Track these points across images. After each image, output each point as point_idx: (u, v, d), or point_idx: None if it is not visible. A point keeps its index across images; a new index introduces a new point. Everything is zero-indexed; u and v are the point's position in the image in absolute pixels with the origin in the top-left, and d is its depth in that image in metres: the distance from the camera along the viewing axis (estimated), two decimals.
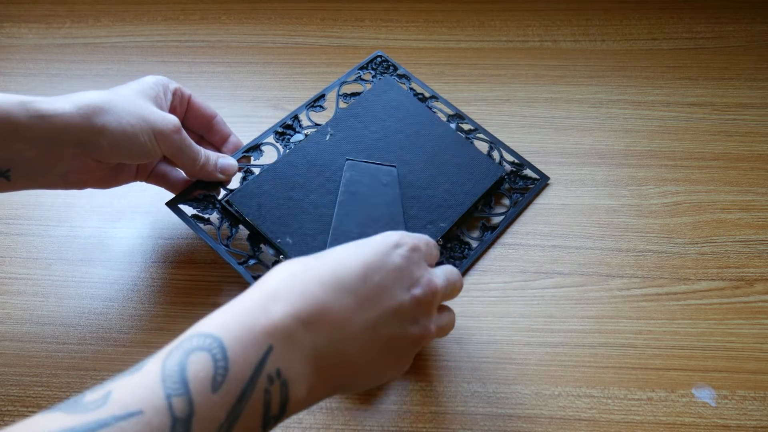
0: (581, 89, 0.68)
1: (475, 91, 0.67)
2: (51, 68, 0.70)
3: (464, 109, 0.64)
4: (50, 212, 0.57)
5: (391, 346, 0.36)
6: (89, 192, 0.59)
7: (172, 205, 0.51)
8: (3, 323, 0.50)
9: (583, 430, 0.45)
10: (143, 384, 0.28)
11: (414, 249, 0.38)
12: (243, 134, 0.57)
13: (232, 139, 0.55)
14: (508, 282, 0.53)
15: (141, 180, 0.52)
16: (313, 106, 0.58)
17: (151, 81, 0.49)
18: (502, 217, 0.56)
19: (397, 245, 0.37)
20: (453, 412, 0.45)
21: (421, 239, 0.39)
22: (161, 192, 0.58)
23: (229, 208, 0.50)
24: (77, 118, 0.43)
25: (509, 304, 0.51)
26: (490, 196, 0.56)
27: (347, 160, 0.52)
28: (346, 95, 0.59)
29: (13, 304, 0.51)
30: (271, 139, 0.56)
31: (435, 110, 0.60)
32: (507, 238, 0.55)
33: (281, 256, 0.49)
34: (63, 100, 0.43)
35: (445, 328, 0.41)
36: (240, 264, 0.49)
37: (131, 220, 0.57)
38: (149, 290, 0.52)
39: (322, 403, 0.46)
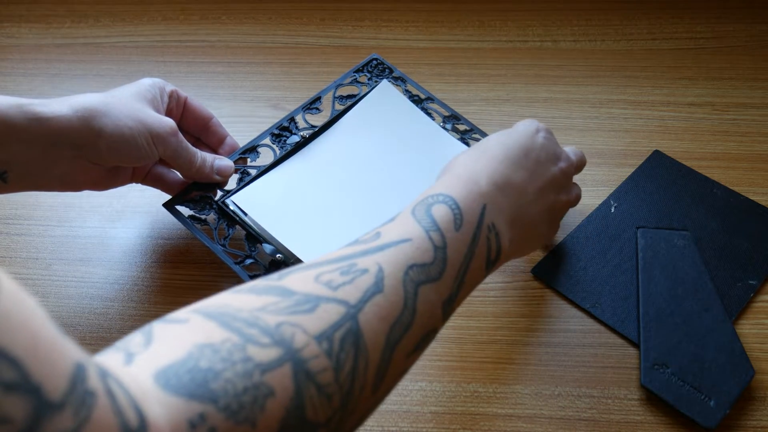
0: (581, 89, 0.68)
1: (475, 91, 0.67)
2: (51, 68, 0.70)
3: (464, 109, 0.64)
4: (50, 212, 0.57)
5: (551, 210, 0.45)
6: (89, 192, 0.59)
7: (169, 206, 0.51)
8: None
9: (583, 430, 0.45)
10: (403, 226, 0.35)
11: (549, 131, 0.47)
12: (243, 134, 0.57)
13: (228, 140, 0.55)
14: (508, 282, 0.53)
15: (137, 182, 0.52)
16: (309, 109, 0.58)
17: (147, 83, 0.49)
18: None
19: (537, 130, 0.46)
20: (453, 412, 0.45)
21: (546, 126, 0.47)
22: (161, 192, 0.58)
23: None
24: (75, 121, 0.43)
25: (509, 304, 0.51)
26: None
27: (638, 228, 0.55)
28: (341, 97, 0.59)
29: None
30: (267, 141, 0.56)
31: (430, 111, 0.60)
32: None
33: (278, 255, 0.49)
34: (60, 103, 0.43)
35: (578, 197, 0.49)
36: (236, 263, 0.49)
37: (131, 220, 0.57)
38: (149, 290, 0.52)
39: None
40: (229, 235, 0.50)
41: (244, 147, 0.55)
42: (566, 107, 0.66)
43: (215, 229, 0.50)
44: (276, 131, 0.56)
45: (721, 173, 0.60)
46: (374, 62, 0.62)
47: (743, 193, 0.57)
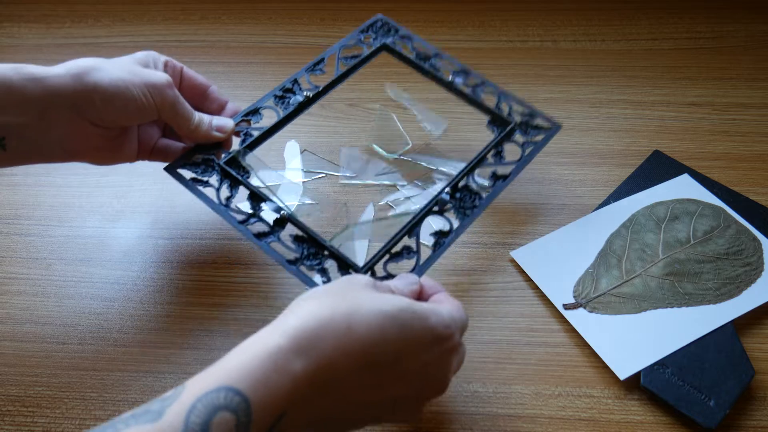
0: (581, 89, 0.68)
1: None
2: None
3: (464, 109, 0.64)
4: (50, 212, 0.57)
5: (379, 418, 0.37)
6: (89, 192, 0.59)
7: (170, 170, 0.50)
8: (3, 323, 0.50)
9: (583, 430, 0.45)
10: None
11: (452, 351, 0.37)
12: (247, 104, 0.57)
13: (229, 105, 0.54)
14: (508, 282, 0.53)
15: (143, 158, 0.51)
16: (312, 70, 0.57)
17: (140, 54, 0.49)
18: (513, 167, 0.53)
19: (441, 340, 0.36)
20: (453, 412, 0.45)
21: (463, 327, 0.39)
22: (161, 192, 0.58)
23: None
24: (69, 78, 0.43)
25: (509, 304, 0.51)
26: (501, 146, 0.54)
27: None
28: (346, 58, 0.58)
29: (13, 304, 0.51)
30: (270, 102, 0.55)
31: (440, 67, 0.59)
32: (507, 238, 0.55)
33: (282, 212, 0.48)
34: (56, 66, 0.44)
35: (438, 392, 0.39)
36: (240, 223, 0.48)
37: (131, 220, 0.57)
38: (149, 290, 0.52)
39: None
40: (232, 195, 0.49)
41: (246, 110, 0.54)
42: (566, 107, 0.66)
43: (218, 190, 0.49)
44: (279, 93, 0.55)
45: (721, 173, 0.60)
46: (379, 23, 0.61)
47: (743, 193, 0.57)
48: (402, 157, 0.61)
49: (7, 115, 0.42)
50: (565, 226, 0.55)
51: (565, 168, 0.60)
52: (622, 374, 0.46)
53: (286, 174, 0.59)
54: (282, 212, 0.48)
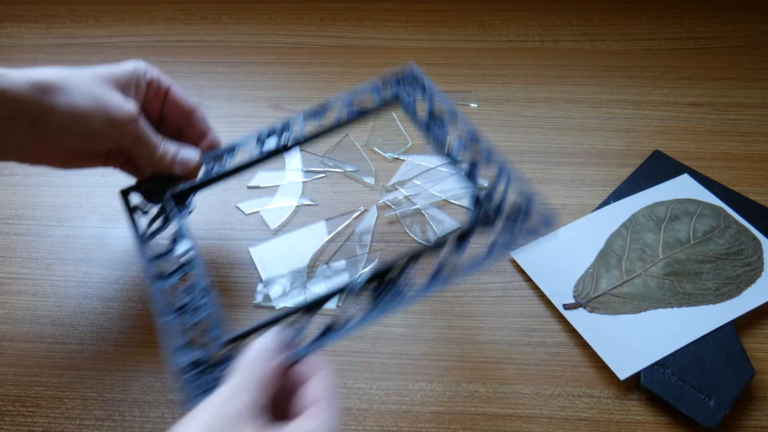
0: (581, 89, 0.68)
1: (476, 91, 0.67)
2: None
3: (464, 110, 0.64)
4: (50, 212, 0.57)
5: None
6: (89, 192, 0.59)
7: (125, 194, 0.48)
8: (3, 323, 0.50)
9: (583, 430, 0.45)
10: None
11: None
12: (243, 134, 0.57)
13: (209, 136, 0.51)
14: (508, 282, 0.53)
15: (114, 166, 0.49)
16: (313, 116, 0.51)
17: (126, 68, 0.46)
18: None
19: None
20: (453, 412, 0.45)
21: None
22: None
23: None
24: (30, 94, 0.41)
25: (509, 304, 0.51)
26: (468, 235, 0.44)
27: None
28: (353, 110, 0.50)
29: (13, 304, 0.51)
30: (252, 143, 0.50)
31: (449, 132, 0.47)
32: None
33: (189, 253, 0.44)
34: (19, 74, 0.41)
35: None
36: (151, 259, 0.44)
37: None
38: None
39: None
40: (162, 227, 0.47)
41: (221, 150, 0.50)
42: (566, 107, 0.66)
43: (149, 224, 0.47)
44: (264, 135, 0.51)
45: (721, 173, 0.60)
46: (408, 74, 0.51)
47: (743, 193, 0.57)
48: (400, 157, 0.61)
49: None
50: (565, 226, 0.55)
51: (565, 168, 0.60)
52: (622, 374, 0.46)
53: (286, 174, 0.59)
54: (190, 254, 0.44)
